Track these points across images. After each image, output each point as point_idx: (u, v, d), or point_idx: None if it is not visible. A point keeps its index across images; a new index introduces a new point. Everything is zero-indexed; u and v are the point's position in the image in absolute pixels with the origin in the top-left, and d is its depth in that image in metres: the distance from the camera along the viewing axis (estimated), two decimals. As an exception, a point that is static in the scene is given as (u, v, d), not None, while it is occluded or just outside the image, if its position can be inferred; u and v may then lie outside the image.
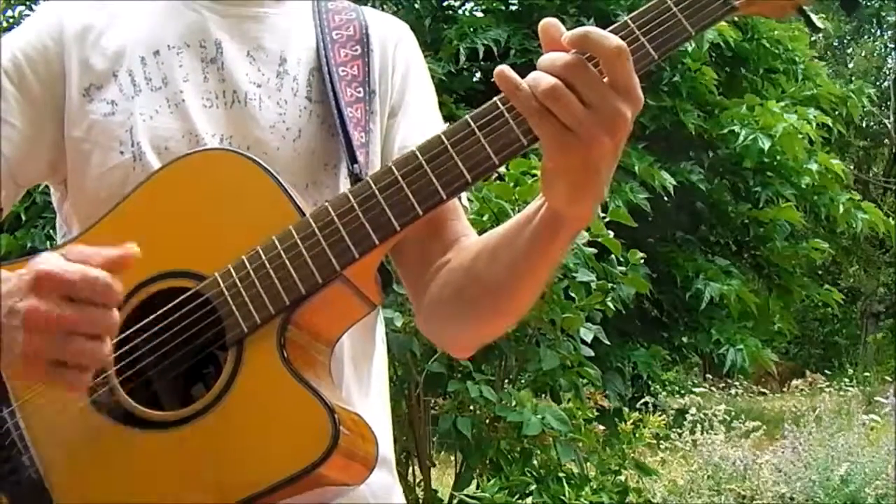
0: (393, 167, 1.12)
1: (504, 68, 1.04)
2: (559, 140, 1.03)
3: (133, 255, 1.04)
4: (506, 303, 1.23)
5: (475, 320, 1.27)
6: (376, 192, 1.12)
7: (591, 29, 1.03)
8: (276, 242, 1.13)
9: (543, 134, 1.04)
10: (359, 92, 1.31)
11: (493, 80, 1.05)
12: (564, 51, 1.03)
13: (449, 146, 1.10)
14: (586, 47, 1.02)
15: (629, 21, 1.08)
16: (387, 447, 1.33)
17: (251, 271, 1.13)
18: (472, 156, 1.10)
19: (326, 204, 1.14)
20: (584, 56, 1.02)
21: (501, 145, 1.09)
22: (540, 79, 1.02)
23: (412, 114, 1.35)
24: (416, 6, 8.25)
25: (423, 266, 1.29)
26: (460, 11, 8.61)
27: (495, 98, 1.09)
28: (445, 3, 8.50)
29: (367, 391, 1.33)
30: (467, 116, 1.10)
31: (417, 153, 1.11)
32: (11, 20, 8.30)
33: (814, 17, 1.13)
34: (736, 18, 7.71)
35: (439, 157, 1.10)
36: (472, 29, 7.60)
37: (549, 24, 1.05)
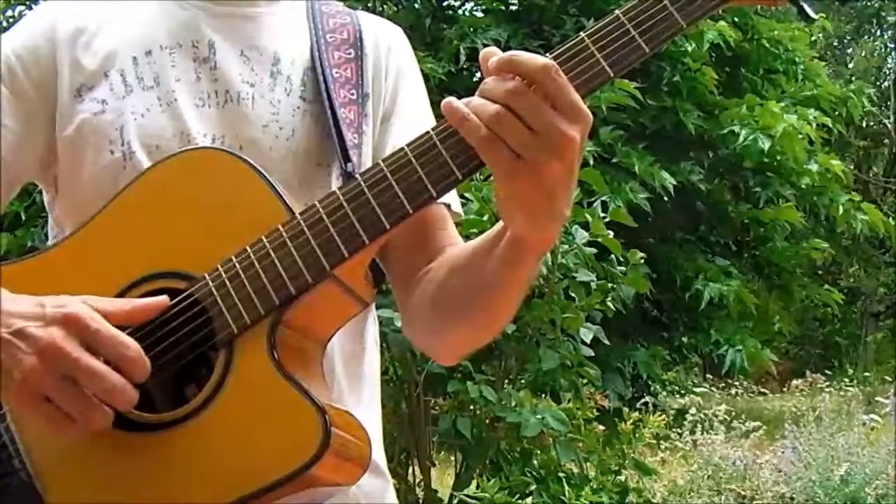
0: (382, 164, 1.12)
1: (451, 100, 1.04)
2: (508, 168, 1.02)
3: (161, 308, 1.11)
4: (478, 318, 1.23)
5: (448, 333, 1.27)
6: (365, 189, 1.11)
7: (517, 52, 1.03)
8: (266, 242, 1.12)
9: (492, 162, 1.04)
10: (352, 94, 1.30)
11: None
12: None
13: (438, 142, 1.09)
14: (513, 71, 1.02)
15: (620, 14, 1.07)
16: (379, 448, 1.32)
17: (240, 271, 1.12)
18: (460, 153, 1.08)
19: (316, 203, 1.13)
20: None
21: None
22: (485, 106, 1.02)
23: (403, 119, 1.35)
24: (416, 6, 8.24)
25: (409, 274, 1.29)
26: (460, 11, 8.60)
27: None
28: (445, 3, 8.48)
29: (359, 391, 1.32)
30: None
31: (407, 150, 1.10)
32: (11, 20, 8.30)
33: (807, 7, 1.12)
34: (736, 18, 7.73)
35: (428, 154, 1.10)
36: (472, 29, 7.58)
37: (487, 52, 1.05)
